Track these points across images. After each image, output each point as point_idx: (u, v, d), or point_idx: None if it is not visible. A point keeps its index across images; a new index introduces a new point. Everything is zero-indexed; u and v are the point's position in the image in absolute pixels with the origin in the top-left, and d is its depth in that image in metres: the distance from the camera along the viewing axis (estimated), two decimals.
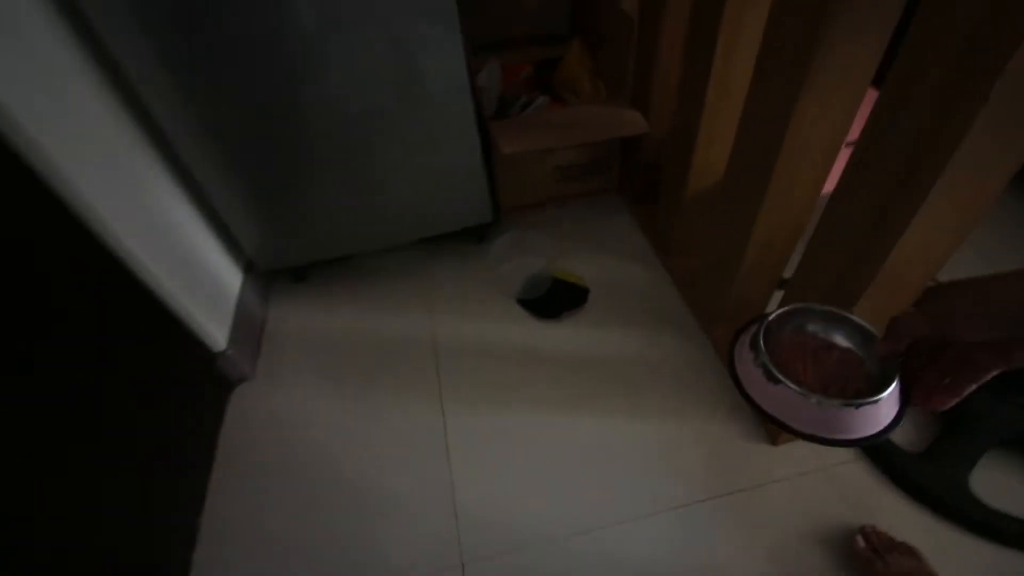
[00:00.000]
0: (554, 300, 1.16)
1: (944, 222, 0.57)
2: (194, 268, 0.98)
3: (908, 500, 0.83)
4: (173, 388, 0.92)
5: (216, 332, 0.99)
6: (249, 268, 1.18)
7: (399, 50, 0.89)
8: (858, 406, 0.38)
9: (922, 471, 0.83)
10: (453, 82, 0.95)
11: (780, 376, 0.40)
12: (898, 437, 0.88)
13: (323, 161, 1.01)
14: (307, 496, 0.90)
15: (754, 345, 0.43)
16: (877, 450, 0.86)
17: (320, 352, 1.12)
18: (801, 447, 0.89)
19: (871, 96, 0.60)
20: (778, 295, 1.01)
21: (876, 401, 0.38)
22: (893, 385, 0.38)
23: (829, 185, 0.72)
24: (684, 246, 1.16)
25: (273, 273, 1.22)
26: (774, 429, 0.89)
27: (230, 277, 1.11)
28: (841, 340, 0.45)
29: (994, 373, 0.34)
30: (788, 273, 0.99)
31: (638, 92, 1.19)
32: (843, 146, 0.74)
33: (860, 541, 0.78)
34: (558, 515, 0.85)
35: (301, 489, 0.91)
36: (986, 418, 0.85)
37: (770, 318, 0.44)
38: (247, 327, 1.11)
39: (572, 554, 0.81)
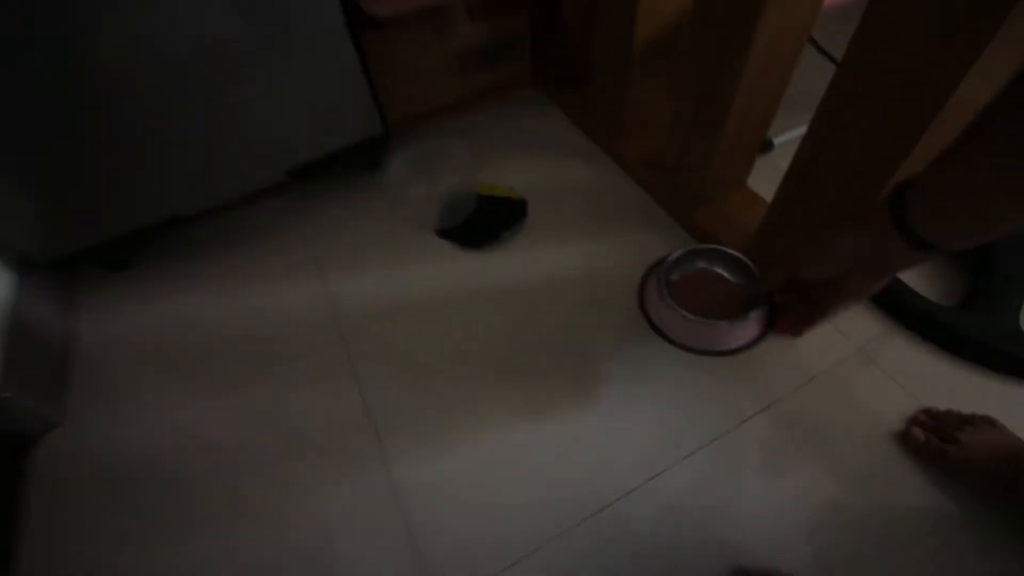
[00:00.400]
0: (484, 222, 0.88)
1: None
2: None
3: (958, 361, 0.68)
4: None
5: None
6: (27, 265, 0.78)
7: None
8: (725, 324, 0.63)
9: (966, 322, 0.68)
10: None
11: (671, 303, 0.64)
12: (931, 293, 0.74)
13: (121, 96, 0.63)
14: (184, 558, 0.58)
15: (658, 281, 0.67)
16: (914, 312, 0.70)
17: (169, 359, 0.76)
18: (821, 336, 0.72)
19: None
20: (762, 165, 0.81)
21: (731, 322, 0.62)
22: (751, 315, 0.62)
23: None
24: (635, 125, 0.92)
25: (70, 264, 0.81)
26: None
27: None
28: (728, 274, 0.71)
29: (836, 306, 0.44)
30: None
31: None
32: None
33: (918, 433, 0.62)
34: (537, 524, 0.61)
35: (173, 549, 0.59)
36: (1014, 254, 0.72)
37: (670, 259, 0.68)
38: (36, 353, 0.73)
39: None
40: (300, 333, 0.78)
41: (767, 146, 0.92)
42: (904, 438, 0.63)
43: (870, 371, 0.68)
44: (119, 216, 0.79)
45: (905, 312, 0.71)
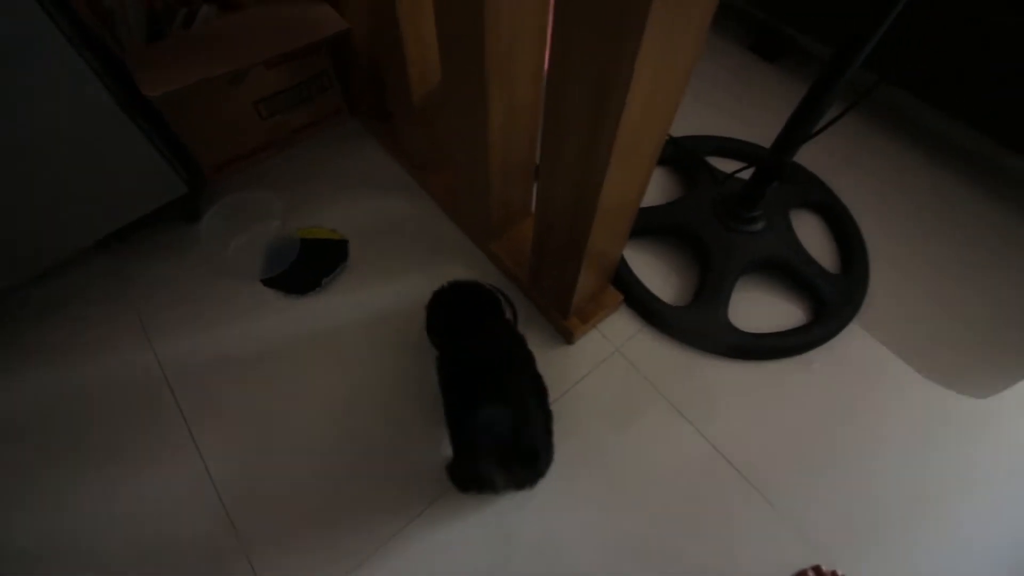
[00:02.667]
0: (307, 267, 0.95)
1: (660, 81, 0.49)
2: None
3: (685, 347, 0.89)
4: None
5: None
6: None
7: None
8: None
9: (690, 319, 0.89)
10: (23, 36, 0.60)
11: None
12: (667, 297, 0.93)
13: None
14: None
15: None
16: (654, 314, 0.90)
17: None
18: (590, 340, 0.89)
19: None
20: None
21: None
22: None
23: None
24: (433, 162, 1.02)
25: None
26: (568, 328, 0.86)
27: None
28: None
29: None
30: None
31: None
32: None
33: None
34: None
35: None
36: (723, 257, 0.93)
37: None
38: None
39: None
40: (130, 400, 0.82)
41: (537, 171, 1.06)
42: None
43: (625, 364, 0.87)
44: None
45: (648, 314, 0.90)
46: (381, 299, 0.93)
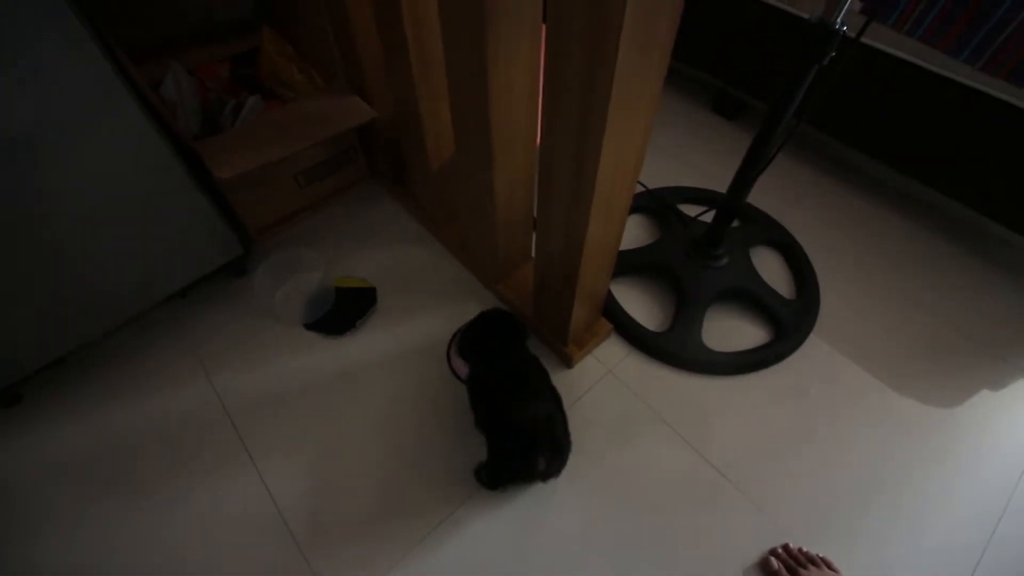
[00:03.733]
0: (343, 312, 1.11)
1: (625, 147, 0.67)
2: None
3: (667, 366, 1.04)
4: None
5: None
6: None
7: None
8: None
9: (670, 342, 1.05)
10: (109, 109, 0.77)
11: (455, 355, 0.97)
12: (650, 325, 1.10)
13: None
14: None
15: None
16: (639, 340, 1.06)
17: (78, 476, 0.91)
18: (587, 363, 1.05)
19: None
20: None
21: None
22: None
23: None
24: (446, 215, 1.20)
25: None
26: (567, 354, 1.02)
27: None
28: None
29: None
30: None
31: (352, 74, 1.14)
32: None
33: (773, 562, 0.81)
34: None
35: None
36: (695, 289, 1.10)
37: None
38: None
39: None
40: (197, 432, 0.96)
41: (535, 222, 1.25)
42: (761, 563, 0.82)
43: (618, 383, 1.03)
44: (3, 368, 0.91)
45: (634, 339, 1.07)
46: (407, 336, 1.09)
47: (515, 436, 0.76)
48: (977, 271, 1.21)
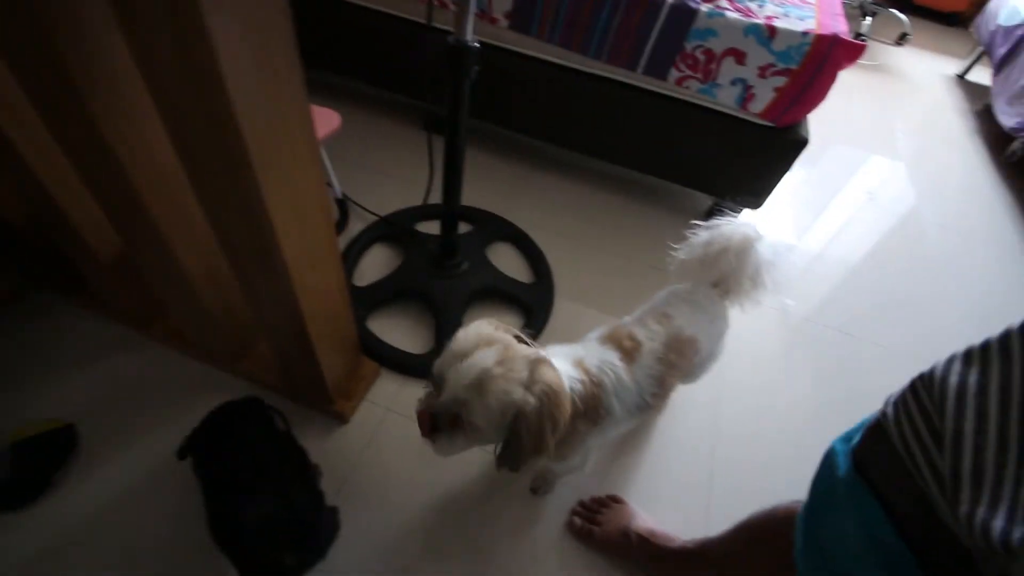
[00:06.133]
0: (27, 472, 0.84)
1: (298, 200, 0.63)
2: None
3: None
4: None
5: None
6: None
7: None
8: None
9: (427, 361, 1.06)
10: None
11: None
12: (416, 348, 1.10)
13: None
14: None
15: None
16: (408, 367, 1.05)
17: None
18: (362, 412, 1.00)
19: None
20: None
21: None
22: None
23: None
24: (151, 307, 1.01)
25: None
26: (337, 411, 0.95)
27: None
28: None
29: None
30: None
31: None
32: None
33: (576, 520, 0.87)
34: None
35: None
36: (445, 300, 1.14)
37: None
38: None
39: None
40: None
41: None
42: (567, 525, 0.87)
43: (397, 418, 1.00)
44: None
45: (404, 368, 1.06)
46: (132, 467, 0.88)
47: (246, 546, 0.67)
48: (634, 210, 1.52)
